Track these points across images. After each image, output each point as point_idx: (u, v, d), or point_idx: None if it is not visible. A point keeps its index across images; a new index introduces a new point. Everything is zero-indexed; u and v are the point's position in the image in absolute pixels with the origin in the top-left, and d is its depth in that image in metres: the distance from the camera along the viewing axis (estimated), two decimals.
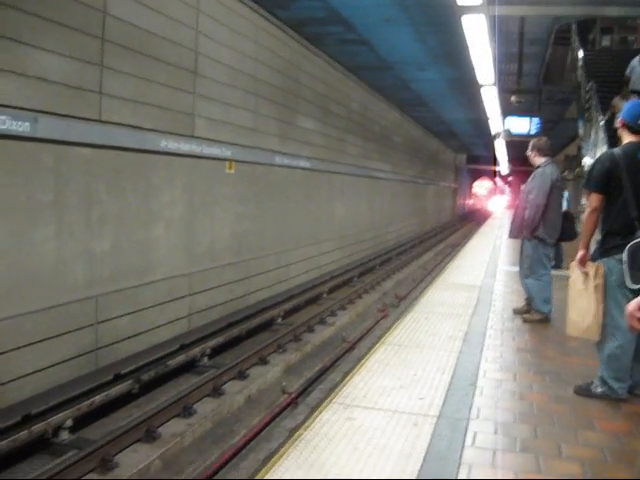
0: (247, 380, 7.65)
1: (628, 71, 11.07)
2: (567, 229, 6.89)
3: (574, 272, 4.40)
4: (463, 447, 3.44)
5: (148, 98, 7.61)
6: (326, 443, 3.44)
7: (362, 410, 3.95)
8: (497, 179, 61.13)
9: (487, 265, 11.81)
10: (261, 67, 10.63)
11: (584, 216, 4.35)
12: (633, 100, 4.46)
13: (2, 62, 5.56)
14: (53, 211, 6.27)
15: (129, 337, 7.45)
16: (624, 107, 4.42)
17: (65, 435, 5.66)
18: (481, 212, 55.40)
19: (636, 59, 10.83)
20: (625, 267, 3.97)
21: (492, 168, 44.97)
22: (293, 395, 7.14)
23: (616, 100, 9.92)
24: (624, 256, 3.98)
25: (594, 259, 4.32)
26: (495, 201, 64.18)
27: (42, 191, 6.12)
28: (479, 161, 46.41)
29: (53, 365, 6.31)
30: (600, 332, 4.23)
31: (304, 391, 7.45)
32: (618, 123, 4.42)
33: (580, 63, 14.85)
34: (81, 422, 5.98)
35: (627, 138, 4.31)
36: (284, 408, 6.87)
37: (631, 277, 3.95)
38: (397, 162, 22.71)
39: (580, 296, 4.33)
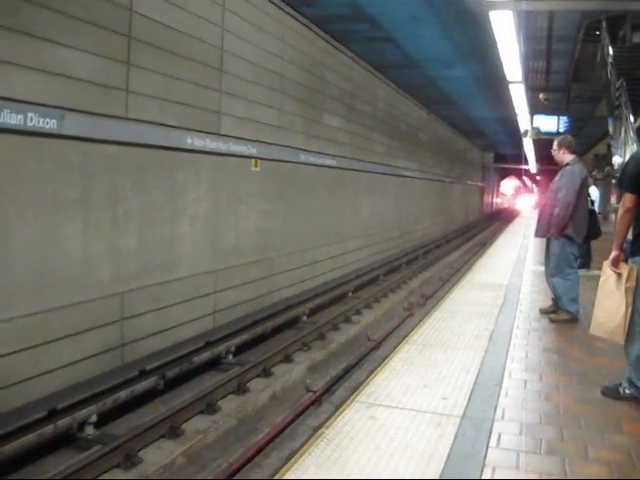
0: (271, 378, 7.65)
1: None
2: (592, 227, 6.80)
3: (605, 272, 4.33)
4: (487, 448, 3.39)
5: (174, 95, 7.64)
6: (348, 442, 3.41)
7: (385, 409, 3.91)
8: (525, 178, 60.63)
9: (514, 264, 11.70)
10: (286, 64, 10.62)
11: (618, 216, 4.26)
12: None
13: (29, 60, 5.61)
14: (79, 208, 6.31)
15: (154, 334, 7.49)
16: None
17: (90, 430, 5.69)
18: (508, 211, 54.99)
19: None
20: None
21: (520, 167, 44.55)
22: (317, 393, 7.13)
23: None
24: None
25: (625, 258, 4.24)
26: (523, 200, 63.67)
27: (69, 188, 6.16)
28: (506, 160, 46.04)
29: (79, 361, 6.36)
30: (625, 335, 4.16)
31: (328, 389, 7.44)
32: None
33: (610, 60, 14.65)
34: (106, 417, 6.02)
35: None
36: (308, 406, 6.86)
37: None
38: (423, 160, 22.60)
39: (610, 297, 4.25)
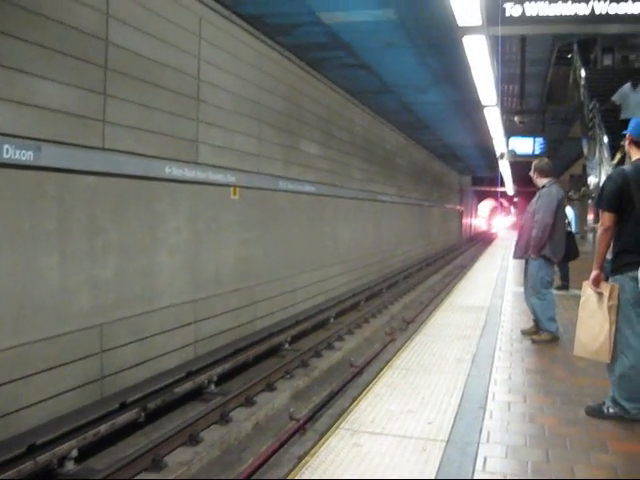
0: (255, 407, 7.58)
1: (617, 98, 11.08)
2: (570, 248, 6.88)
3: (586, 292, 4.34)
4: (473, 472, 3.37)
5: (151, 125, 7.64)
6: (333, 470, 3.37)
7: (369, 436, 3.88)
8: (503, 200, 61.09)
9: (494, 286, 11.74)
10: (263, 93, 10.67)
11: (597, 235, 4.29)
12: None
13: (4, 91, 5.59)
14: (57, 239, 6.27)
15: (135, 365, 7.41)
16: (630, 123, 4.37)
17: (70, 465, 5.61)
18: (487, 233, 55.29)
19: (627, 86, 10.83)
20: (639, 286, 3.93)
21: (497, 189, 44.91)
22: (301, 421, 7.06)
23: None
24: (638, 274, 3.93)
25: (606, 277, 4.26)
26: (501, 222, 64.08)
27: (46, 219, 6.12)
28: (484, 182, 46.40)
29: (58, 394, 6.27)
30: (610, 354, 4.17)
31: (312, 417, 7.37)
32: (626, 140, 4.37)
33: (582, 82, 14.90)
34: (87, 452, 5.93)
35: (636, 154, 4.26)
36: (292, 435, 6.79)
37: None
38: (402, 185, 22.72)
39: (592, 317, 4.26)
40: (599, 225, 4.25)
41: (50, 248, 6.18)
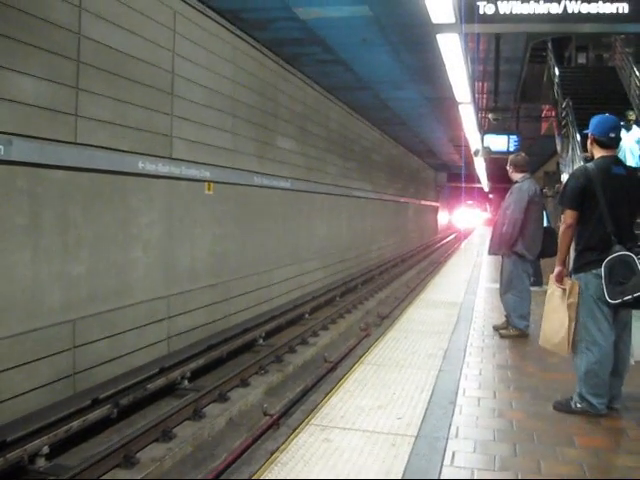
0: (228, 402, 7.57)
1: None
2: (549, 245, 6.89)
3: (551, 287, 4.40)
4: (441, 467, 3.40)
5: (125, 120, 7.59)
6: (302, 465, 3.38)
7: (340, 431, 3.90)
8: (478, 196, 61.27)
9: (468, 282, 11.81)
10: (239, 88, 10.65)
11: (560, 232, 4.34)
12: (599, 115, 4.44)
13: None
14: (29, 234, 6.22)
15: (107, 361, 7.38)
16: (591, 122, 4.41)
17: (42, 462, 5.55)
18: (463, 229, 55.49)
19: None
20: (603, 282, 3.98)
21: (473, 185, 45.18)
22: (275, 417, 7.07)
23: None
24: (602, 271, 3.98)
25: (571, 274, 4.32)
26: (476, 218, 64.25)
27: (17, 214, 6.07)
28: (460, 179, 46.62)
29: (29, 391, 6.23)
30: (569, 348, 4.23)
31: (286, 412, 7.38)
32: (588, 139, 4.42)
33: (556, 80, 15.01)
34: (59, 448, 5.89)
35: (598, 153, 4.31)
36: (265, 430, 6.80)
37: (609, 293, 3.96)
38: (378, 181, 22.78)
39: (556, 311, 4.33)
40: (562, 223, 4.30)
41: (21, 243, 6.13)
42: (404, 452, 3.58)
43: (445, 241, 42.51)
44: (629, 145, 10.31)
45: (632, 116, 10.72)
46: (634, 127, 10.52)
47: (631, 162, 9.90)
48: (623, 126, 10.22)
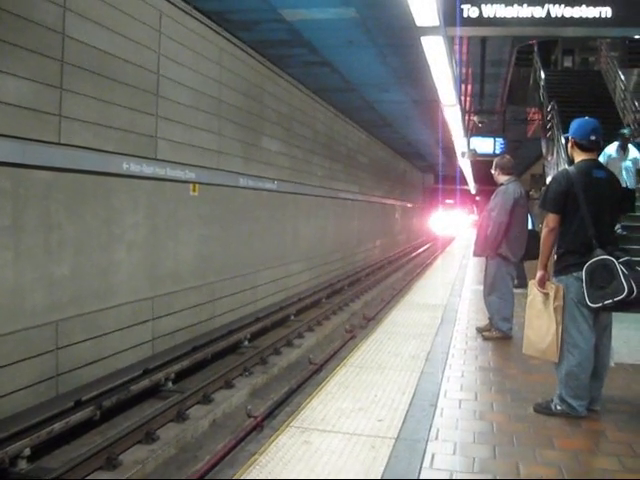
0: (212, 404, 7.57)
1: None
2: (533, 248, 6.90)
3: (532, 292, 4.42)
4: (421, 469, 3.41)
5: (109, 120, 7.56)
6: (281, 468, 3.39)
7: (320, 433, 3.90)
8: (464, 198, 61.22)
9: (453, 284, 11.86)
10: (225, 89, 10.63)
11: (542, 236, 4.36)
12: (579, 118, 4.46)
13: None
14: (11, 235, 6.18)
15: (91, 362, 7.34)
16: (571, 125, 4.44)
17: (23, 464, 5.53)
18: (449, 231, 55.42)
19: (614, 146, 10.33)
20: (584, 286, 4.00)
21: (460, 188, 45.30)
22: (259, 419, 7.06)
23: None
24: (583, 275, 4.01)
25: (552, 277, 4.34)
26: (463, 220, 64.21)
27: None
28: (447, 181, 46.70)
29: (11, 393, 6.19)
30: (558, 353, 4.24)
31: (270, 414, 7.37)
32: (569, 143, 4.45)
33: (542, 83, 15.11)
34: (41, 450, 5.86)
35: (579, 156, 4.34)
36: (249, 432, 6.79)
37: (590, 296, 3.98)
38: (364, 183, 22.80)
39: (539, 317, 4.34)
40: (544, 226, 4.32)
41: (4, 244, 6.09)
42: (383, 454, 3.58)
43: (431, 243, 42.26)
44: (624, 164, 10.16)
45: (627, 134, 10.47)
46: (630, 147, 10.35)
47: (623, 181, 9.60)
48: (620, 145, 10.19)
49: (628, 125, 12.08)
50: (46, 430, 5.90)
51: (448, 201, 58.95)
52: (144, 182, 8.31)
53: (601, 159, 9.09)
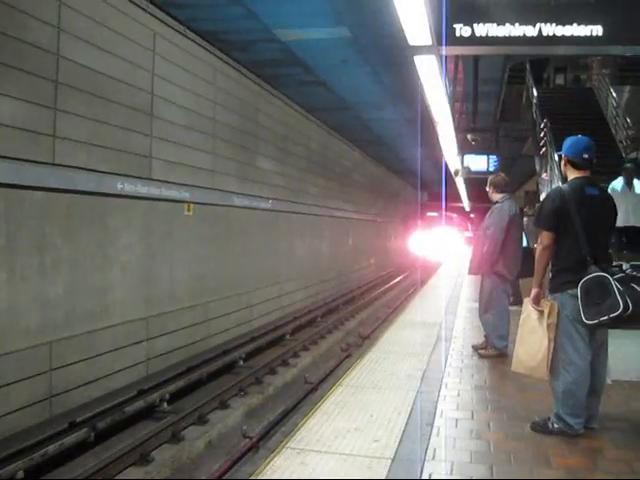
0: (207, 425, 7.52)
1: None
2: (528, 265, 6.90)
3: (526, 309, 4.41)
4: None
5: (103, 140, 7.57)
6: None
7: (315, 454, 3.87)
8: (457, 216, 61.20)
9: (448, 302, 11.83)
10: (219, 109, 10.66)
11: (536, 254, 4.36)
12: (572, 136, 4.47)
13: None
14: (4, 256, 6.17)
15: (85, 384, 7.30)
16: (564, 143, 4.46)
17: None
18: (443, 248, 55.22)
19: (619, 182, 9.99)
20: (580, 303, 4.00)
21: (454, 205, 45.37)
22: (254, 439, 7.02)
23: None
24: (578, 292, 4.00)
25: (548, 294, 4.34)
26: (458, 238, 64.12)
27: None
28: (441, 198, 46.78)
29: (5, 415, 6.14)
30: (548, 371, 4.23)
31: (266, 434, 7.32)
32: (562, 161, 4.46)
33: (535, 101, 15.18)
34: (34, 473, 5.81)
35: (572, 174, 4.35)
36: (245, 453, 6.74)
37: (585, 313, 3.97)
38: (359, 201, 22.84)
39: (533, 334, 4.32)
40: (538, 244, 4.32)
41: None
42: (380, 475, 3.55)
43: (425, 260, 41.73)
44: (633, 199, 9.67)
45: (630, 167, 10.04)
46: (635, 182, 9.91)
47: (632, 220, 9.14)
48: (625, 182, 9.59)
49: (630, 160, 11.82)
50: (40, 452, 5.87)
51: (442, 218, 58.85)
52: (139, 202, 8.30)
53: None
